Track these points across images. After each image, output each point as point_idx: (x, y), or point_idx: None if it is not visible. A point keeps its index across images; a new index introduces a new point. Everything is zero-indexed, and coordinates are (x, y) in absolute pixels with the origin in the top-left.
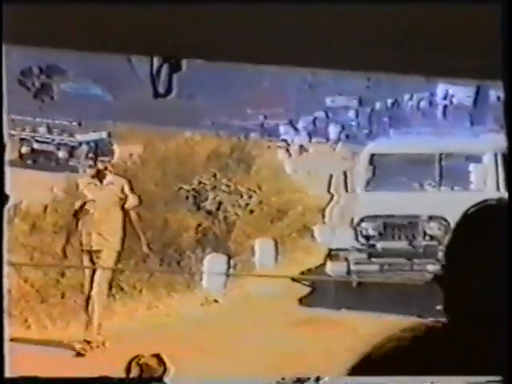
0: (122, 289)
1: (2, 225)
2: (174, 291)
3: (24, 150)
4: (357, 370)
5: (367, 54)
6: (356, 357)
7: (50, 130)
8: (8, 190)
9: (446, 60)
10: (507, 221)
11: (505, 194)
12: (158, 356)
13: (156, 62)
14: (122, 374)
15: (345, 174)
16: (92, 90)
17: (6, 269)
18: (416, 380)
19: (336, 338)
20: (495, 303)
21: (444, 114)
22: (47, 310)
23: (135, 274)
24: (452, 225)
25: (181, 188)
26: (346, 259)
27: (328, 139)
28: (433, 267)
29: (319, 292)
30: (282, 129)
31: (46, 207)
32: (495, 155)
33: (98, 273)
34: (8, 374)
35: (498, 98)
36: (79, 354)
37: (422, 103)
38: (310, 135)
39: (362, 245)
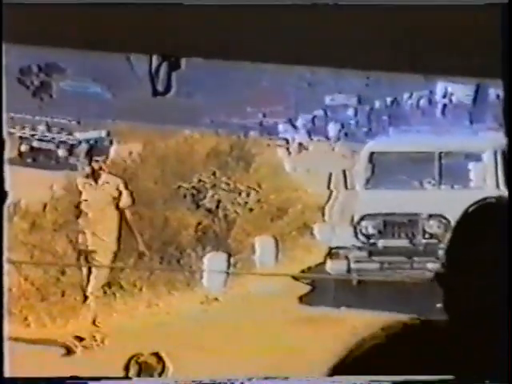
0: (121, 287)
1: (2, 223)
2: (174, 289)
3: (23, 148)
4: (337, 369)
5: (367, 53)
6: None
7: (49, 129)
8: (7, 188)
9: (446, 59)
10: (507, 219)
11: (504, 192)
12: (157, 354)
13: (155, 60)
14: (120, 373)
15: (344, 172)
16: (91, 88)
17: (5, 267)
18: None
19: (336, 337)
20: (495, 301)
21: (443, 112)
22: (47, 308)
23: (135, 272)
24: (452, 223)
25: (180, 186)
26: (346, 257)
27: (327, 137)
28: (433, 265)
29: (319, 290)
30: (281, 127)
31: (45, 205)
32: (495, 153)
33: (94, 272)
34: (7, 372)
35: (498, 96)
36: (70, 352)
37: (422, 101)
38: (309, 133)
39: (362, 243)
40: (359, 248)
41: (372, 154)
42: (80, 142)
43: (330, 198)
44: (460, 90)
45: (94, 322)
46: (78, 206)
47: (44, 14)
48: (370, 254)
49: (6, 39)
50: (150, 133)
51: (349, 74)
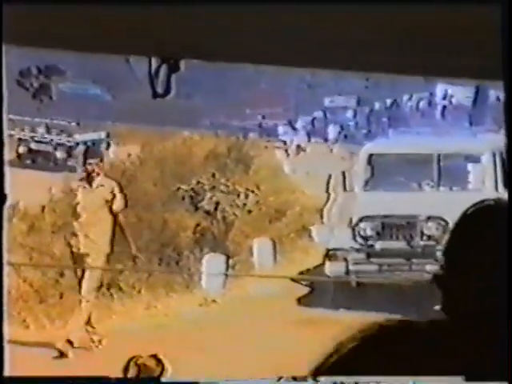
0: (120, 289)
1: (2, 225)
2: (173, 291)
3: (21, 149)
4: (319, 370)
5: (366, 55)
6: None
7: (48, 130)
8: (6, 190)
9: (446, 60)
10: (506, 221)
11: (503, 194)
12: (155, 356)
13: (154, 62)
14: (119, 374)
15: (343, 174)
16: (91, 90)
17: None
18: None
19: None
20: (494, 303)
21: (443, 114)
22: (46, 309)
23: (134, 274)
24: (450, 225)
25: (179, 188)
26: (345, 259)
27: (326, 139)
28: (431, 267)
29: (318, 292)
30: (280, 129)
31: (44, 207)
32: (494, 155)
33: (87, 275)
34: (7, 372)
35: (497, 98)
36: (63, 355)
37: (421, 103)
38: (308, 135)
39: (361, 245)
40: (357, 250)
41: (371, 155)
42: (78, 144)
43: (328, 199)
44: (460, 92)
45: (89, 323)
46: (75, 209)
47: (43, 16)
48: (369, 255)
49: (6, 41)
50: (149, 134)
51: (348, 75)
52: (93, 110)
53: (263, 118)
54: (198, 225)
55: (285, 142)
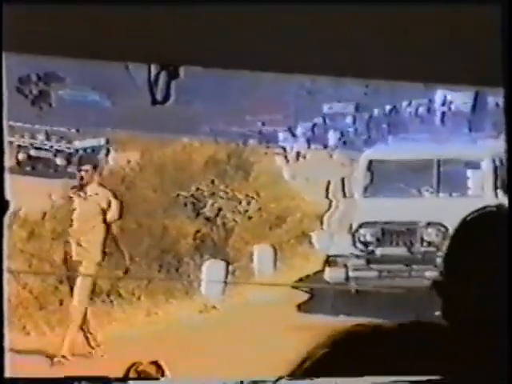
0: (120, 295)
1: (3, 232)
2: (173, 298)
3: (21, 156)
4: (295, 372)
5: (366, 61)
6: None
7: (48, 137)
8: (7, 196)
9: (445, 66)
10: (506, 227)
11: (503, 201)
12: (156, 363)
13: (154, 69)
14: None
15: (343, 180)
16: (90, 96)
17: (5, 276)
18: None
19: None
20: (494, 310)
21: (442, 120)
22: (46, 316)
23: (134, 281)
24: (450, 231)
25: (179, 195)
26: (345, 265)
27: (326, 146)
28: (431, 273)
29: (318, 298)
30: (280, 135)
31: (44, 214)
32: (493, 161)
33: (78, 282)
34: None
35: (497, 104)
36: (62, 362)
37: (421, 110)
38: (308, 142)
39: (361, 251)
40: (357, 256)
41: (370, 162)
42: (77, 151)
43: (328, 206)
44: (459, 98)
45: (84, 330)
46: (71, 216)
47: (43, 23)
48: (368, 262)
49: (5, 48)
50: (149, 141)
51: (348, 82)
52: (92, 116)
53: (263, 124)
54: (198, 231)
55: (285, 149)
